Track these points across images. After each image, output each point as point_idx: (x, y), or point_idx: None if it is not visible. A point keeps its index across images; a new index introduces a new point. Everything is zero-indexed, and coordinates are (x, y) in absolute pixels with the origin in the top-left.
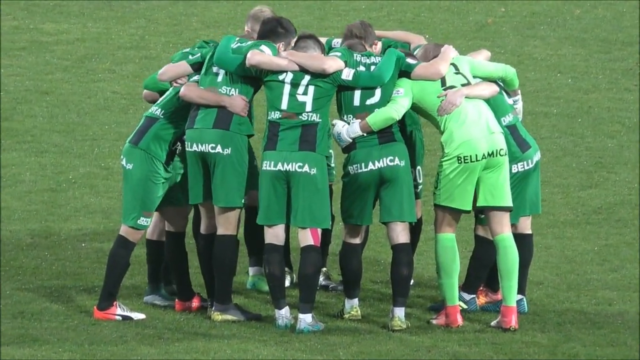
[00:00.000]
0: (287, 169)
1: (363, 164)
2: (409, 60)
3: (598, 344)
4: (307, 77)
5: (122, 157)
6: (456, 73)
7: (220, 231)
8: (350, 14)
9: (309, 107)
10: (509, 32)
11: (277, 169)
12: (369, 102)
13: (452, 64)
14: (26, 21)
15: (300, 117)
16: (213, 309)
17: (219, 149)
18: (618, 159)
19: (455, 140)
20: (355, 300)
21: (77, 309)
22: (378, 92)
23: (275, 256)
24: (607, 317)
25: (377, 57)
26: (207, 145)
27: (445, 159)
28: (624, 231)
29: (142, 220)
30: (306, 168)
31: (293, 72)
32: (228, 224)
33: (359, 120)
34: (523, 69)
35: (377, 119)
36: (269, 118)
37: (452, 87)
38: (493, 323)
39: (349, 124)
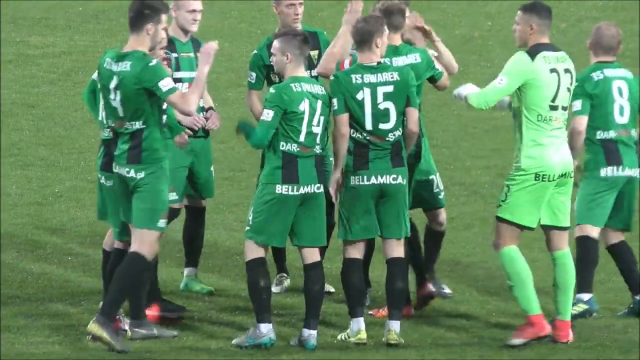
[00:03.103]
0: (307, 191)
1: (366, 177)
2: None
3: (584, 357)
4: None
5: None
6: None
7: (134, 248)
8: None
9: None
10: (495, 45)
11: (298, 193)
12: (382, 126)
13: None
14: (12, 34)
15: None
16: (128, 325)
17: (132, 173)
18: None
19: (536, 157)
20: (361, 320)
21: (63, 323)
22: (393, 117)
23: (264, 269)
24: (594, 330)
25: (393, 74)
26: (122, 169)
27: (521, 173)
28: None
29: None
30: (322, 189)
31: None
32: (142, 243)
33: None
34: None
35: (481, 97)
36: (283, 149)
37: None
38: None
39: (364, 140)
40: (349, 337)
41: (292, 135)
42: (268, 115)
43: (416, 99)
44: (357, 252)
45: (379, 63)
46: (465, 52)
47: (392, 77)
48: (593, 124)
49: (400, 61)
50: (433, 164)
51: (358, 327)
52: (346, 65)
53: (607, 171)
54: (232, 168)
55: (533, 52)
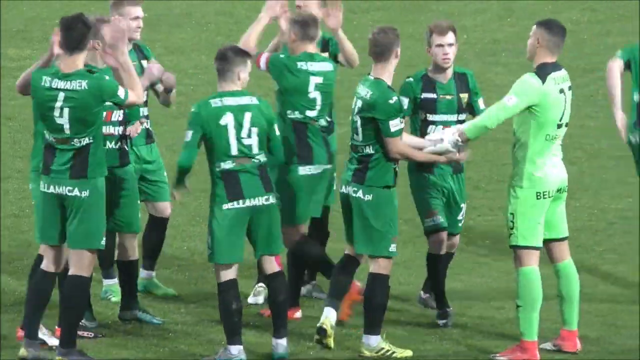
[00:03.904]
0: (255, 204)
1: (341, 185)
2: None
3: None
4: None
5: None
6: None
7: (73, 271)
8: None
9: (255, 150)
10: (471, 58)
11: (245, 205)
12: (355, 137)
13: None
14: None
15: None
16: (57, 353)
17: (76, 192)
18: (579, 185)
19: (537, 175)
20: (330, 310)
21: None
22: (360, 130)
23: (235, 292)
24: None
25: (369, 91)
26: (64, 187)
27: (521, 192)
28: (584, 257)
29: None
30: (272, 199)
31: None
32: (81, 265)
33: (456, 130)
34: (485, 95)
35: (473, 128)
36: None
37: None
38: (547, 345)
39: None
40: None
41: (224, 151)
42: (188, 135)
43: (388, 128)
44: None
45: (376, 78)
46: None
47: (365, 94)
48: (633, 87)
49: (316, 66)
50: (466, 192)
51: (325, 315)
52: (262, 60)
53: (636, 138)
54: (208, 180)
55: (542, 74)
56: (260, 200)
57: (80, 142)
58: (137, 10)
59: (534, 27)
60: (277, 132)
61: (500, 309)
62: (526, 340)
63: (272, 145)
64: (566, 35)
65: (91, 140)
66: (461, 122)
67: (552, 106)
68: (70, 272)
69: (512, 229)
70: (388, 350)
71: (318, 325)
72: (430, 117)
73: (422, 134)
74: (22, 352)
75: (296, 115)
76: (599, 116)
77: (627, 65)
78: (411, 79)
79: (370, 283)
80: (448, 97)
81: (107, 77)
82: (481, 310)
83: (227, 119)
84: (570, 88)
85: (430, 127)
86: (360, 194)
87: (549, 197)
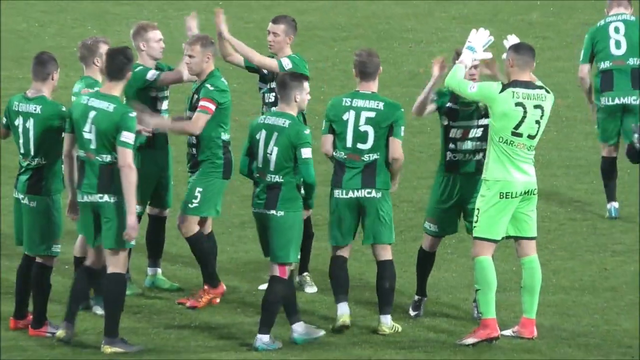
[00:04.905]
0: (260, 212)
1: (344, 191)
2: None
3: None
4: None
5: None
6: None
7: (110, 269)
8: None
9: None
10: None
11: (255, 210)
12: (359, 145)
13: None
14: (14, 71)
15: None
16: (103, 342)
17: (106, 198)
18: None
19: (499, 173)
20: (344, 305)
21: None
22: (371, 138)
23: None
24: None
25: (379, 102)
26: (94, 196)
27: (487, 191)
28: (538, 254)
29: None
30: (274, 212)
31: None
32: (117, 263)
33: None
34: None
35: (450, 78)
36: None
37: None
38: (508, 332)
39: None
40: (335, 323)
41: (255, 161)
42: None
43: (400, 131)
44: (341, 251)
45: (373, 93)
46: (412, 86)
47: (376, 105)
48: (596, 59)
49: (217, 80)
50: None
51: (341, 311)
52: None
53: (603, 100)
54: None
55: (505, 86)
56: (261, 210)
57: (104, 158)
58: (159, 33)
59: (507, 52)
60: (305, 156)
61: (465, 300)
62: (486, 318)
63: (298, 167)
64: (534, 53)
65: (115, 160)
66: (481, 126)
67: (503, 114)
68: (108, 271)
69: (475, 222)
70: (396, 327)
71: (339, 325)
72: (452, 124)
73: (446, 137)
74: (60, 333)
75: (227, 136)
76: (550, 130)
77: (591, 57)
78: (446, 89)
79: (383, 270)
80: (466, 108)
81: (133, 114)
82: (448, 301)
83: (261, 135)
84: (538, 107)
85: (452, 131)
86: (373, 194)
87: (513, 197)
